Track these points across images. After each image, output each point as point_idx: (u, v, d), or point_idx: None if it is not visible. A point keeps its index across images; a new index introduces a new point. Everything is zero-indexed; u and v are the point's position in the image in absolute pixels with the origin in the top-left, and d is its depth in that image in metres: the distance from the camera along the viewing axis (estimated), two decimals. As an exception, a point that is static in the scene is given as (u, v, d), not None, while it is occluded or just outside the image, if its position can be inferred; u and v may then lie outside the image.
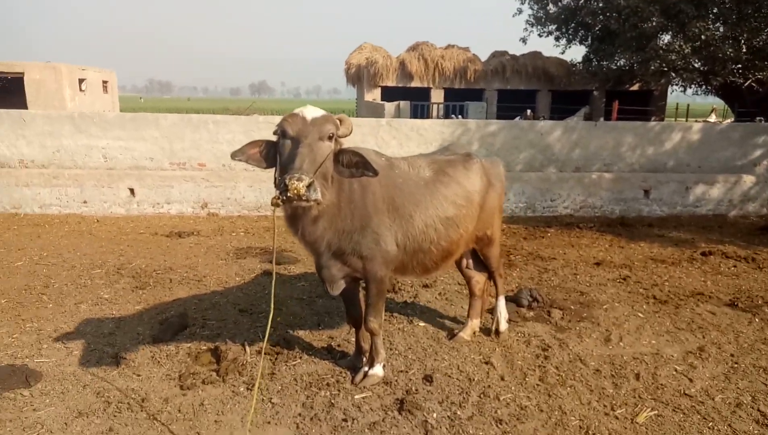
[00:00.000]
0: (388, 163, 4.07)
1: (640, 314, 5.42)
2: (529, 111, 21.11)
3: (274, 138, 3.48)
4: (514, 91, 26.30)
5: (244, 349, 4.43)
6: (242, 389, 3.89)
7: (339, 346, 4.62)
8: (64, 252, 7.10)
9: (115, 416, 3.54)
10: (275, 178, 3.37)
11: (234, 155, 3.48)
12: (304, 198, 3.03)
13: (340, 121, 3.52)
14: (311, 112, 3.37)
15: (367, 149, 4.06)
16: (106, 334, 4.74)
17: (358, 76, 26.32)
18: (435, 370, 4.23)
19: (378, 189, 3.83)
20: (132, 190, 9.56)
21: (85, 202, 9.53)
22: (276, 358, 4.33)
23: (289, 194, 3.01)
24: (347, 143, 3.70)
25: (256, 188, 9.71)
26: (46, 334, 4.70)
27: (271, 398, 3.79)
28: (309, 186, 3.03)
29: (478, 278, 4.95)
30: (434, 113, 22.53)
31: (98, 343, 4.58)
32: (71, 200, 9.51)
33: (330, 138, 3.38)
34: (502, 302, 4.97)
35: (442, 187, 4.16)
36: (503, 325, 4.92)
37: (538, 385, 4.07)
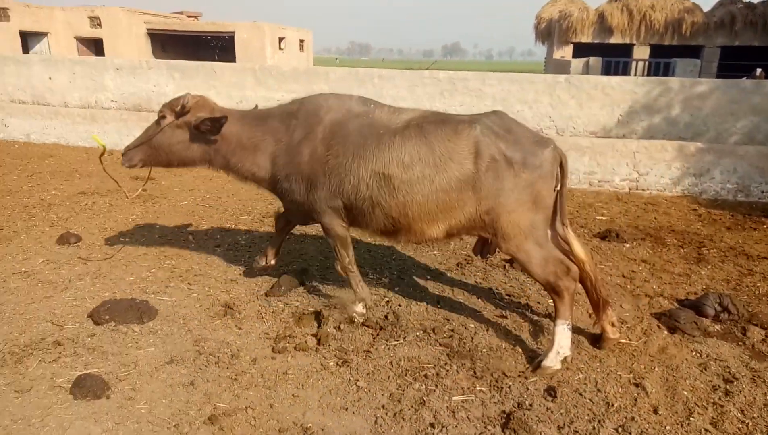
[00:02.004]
0: (361, 111, 3.81)
1: None
2: (759, 70, 17.07)
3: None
4: (743, 47, 21.67)
5: (352, 318, 4.04)
6: (332, 363, 3.51)
7: (453, 331, 3.96)
8: (224, 196, 7.50)
9: (200, 369, 3.42)
10: None
11: None
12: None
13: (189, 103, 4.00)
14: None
15: (350, 96, 4.01)
16: (228, 281, 4.75)
17: (549, 31, 24.11)
18: (563, 381, 3.37)
19: (319, 141, 3.77)
20: (296, 142, 9.82)
21: (256, 150, 10.08)
22: (378, 334, 3.86)
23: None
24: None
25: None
26: (178, 272, 4.88)
27: (357, 380, 3.34)
28: (123, 155, 4.24)
29: (578, 258, 3.72)
30: (634, 71, 19.58)
31: (218, 288, 4.60)
32: (245, 148, 10.13)
33: (158, 121, 4.13)
34: (559, 331, 3.55)
35: (397, 141, 3.61)
36: (551, 362, 3.48)
37: (707, 431, 2.97)
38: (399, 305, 4.33)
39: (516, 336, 3.92)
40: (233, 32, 26.33)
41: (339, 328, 3.92)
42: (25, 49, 24.19)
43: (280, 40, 27.50)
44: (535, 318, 4.21)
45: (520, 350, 3.73)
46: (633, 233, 6.21)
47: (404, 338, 3.82)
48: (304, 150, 3.78)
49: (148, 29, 27.86)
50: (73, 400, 3.06)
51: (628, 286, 4.84)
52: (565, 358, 3.51)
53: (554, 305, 3.63)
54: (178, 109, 3.99)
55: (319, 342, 3.73)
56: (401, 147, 3.58)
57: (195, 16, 34.08)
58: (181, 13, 33.73)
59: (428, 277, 4.95)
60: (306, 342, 3.73)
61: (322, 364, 3.50)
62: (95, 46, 26.94)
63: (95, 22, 26.48)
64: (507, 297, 4.57)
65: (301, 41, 30.22)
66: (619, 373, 3.49)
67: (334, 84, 10.39)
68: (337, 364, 3.50)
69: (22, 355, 3.46)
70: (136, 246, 5.48)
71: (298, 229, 6.16)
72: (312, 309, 4.24)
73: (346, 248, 4.04)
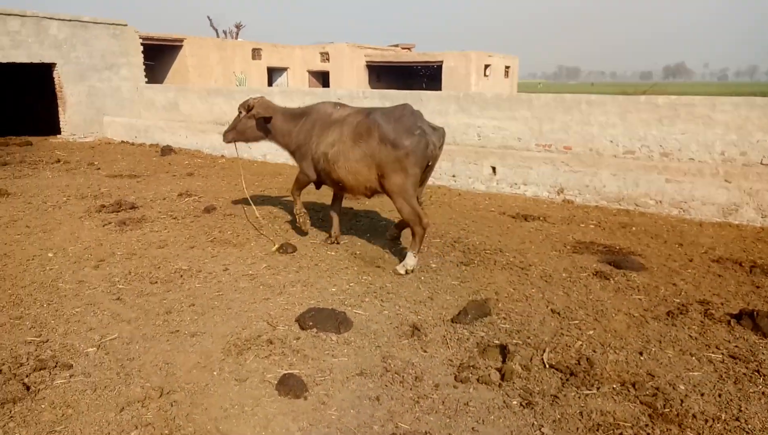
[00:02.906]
0: (330, 112, 6.10)
1: None
2: None
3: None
4: None
5: (542, 360, 3.85)
6: (514, 402, 3.37)
7: (658, 389, 3.50)
8: (420, 219, 7.78)
9: (386, 386, 3.57)
10: None
11: None
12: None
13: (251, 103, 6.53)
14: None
15: (329, 102, 6.35)
16: (417, 302, 4.91)
17: (807, 45, 20.15)
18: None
19: (309, 131, 6.13)
20: (494, 169, 9.80)
21: (453, 176, 10.32)
22: (567, 379, 3.60)
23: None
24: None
25: (621, 177, 8.52)
26: (373, 289, 5.19)
27: (542, 426, 3.15)
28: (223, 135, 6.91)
29: None
30: None
31: (407, 308, 4.77)
32: (443, 173, 10.43)
33: (238, 115, 6.66)
34: (409, 255, 5.59)
35: (330, 131, 5.86)
36: (399, 269, 5.57)
37: None
38: (594, 351, 3.98)
39: (738, 407, 3.30)
40: (441, 61, 27.52)
41: (525, 367, 3.75)
42: (270, 82, 28.54)
43: (486, 67, 27.86)
44: (766, 390, 3.50)
45: (745, 427, 3.12)
46: None
47: (597, 388, 3.49)
48: (301, 136, 6.21)
49: (366, 61, 30.68)
50: (278, 396, 3.44)
51: None
52: (407, 270, 5.51)
53: (411, 240, 5.64)
54: (246, 107, 6.49)
55: (502, 378, 3.62)
56: (332, 134, 5.79)
57: (409, 48, 36.49)
58: (396, 45, 36.45)
59: (630, 324, 4.46)
60: (489, 375, 3.65)
61: (504, 402, 3.39)
62: (323, 78, 30.57)
63: (324, 57, 30.11)
64: (730, 359, 3.89)
65: (507, 67, 30.22)
66: None
67: (537, 110, 10.16)
68: (521, 404, 3.35)
69: (243, 348, 4.02)
70: (339, 259, 6.00)
71: (487, 258, 6.10)
72: (497, 342, 4.14)
73: (299, 189, 6.55)
